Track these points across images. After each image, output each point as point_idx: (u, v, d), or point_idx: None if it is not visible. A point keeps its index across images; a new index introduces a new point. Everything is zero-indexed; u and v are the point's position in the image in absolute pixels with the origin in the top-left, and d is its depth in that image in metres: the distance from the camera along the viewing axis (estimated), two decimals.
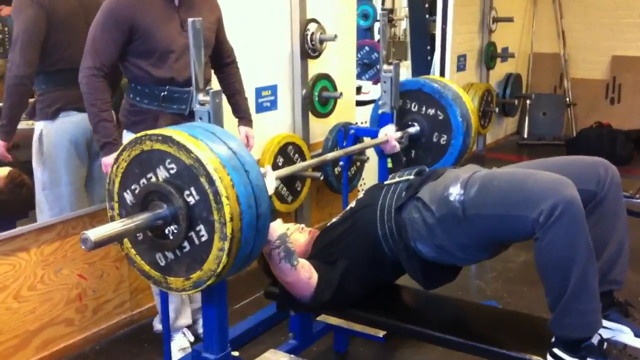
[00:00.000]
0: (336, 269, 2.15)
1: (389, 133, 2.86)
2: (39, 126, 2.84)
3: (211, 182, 1.57)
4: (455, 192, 1.97)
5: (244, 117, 2.92)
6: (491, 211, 1.91)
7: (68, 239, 2.84)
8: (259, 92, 3.65)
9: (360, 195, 2.38)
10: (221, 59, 2.83)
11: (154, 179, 1.68)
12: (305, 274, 2.08)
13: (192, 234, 1.65)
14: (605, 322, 2.00)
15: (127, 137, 2.58)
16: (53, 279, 2.81)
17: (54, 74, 2.82)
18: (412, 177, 2.25)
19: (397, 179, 2.27)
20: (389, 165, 2.85)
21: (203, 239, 1.64)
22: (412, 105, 3.10)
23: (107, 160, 2.46)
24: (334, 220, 2.36)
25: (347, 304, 2.23)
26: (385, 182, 2.30)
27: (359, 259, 2.17)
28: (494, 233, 1.96)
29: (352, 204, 2.35)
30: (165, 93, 2.55)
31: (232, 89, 2.88)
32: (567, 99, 7.19)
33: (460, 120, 2.96)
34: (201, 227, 1.63)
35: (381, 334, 2.69)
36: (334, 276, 2.14)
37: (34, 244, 2.72)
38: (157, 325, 2.93)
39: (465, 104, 3.01)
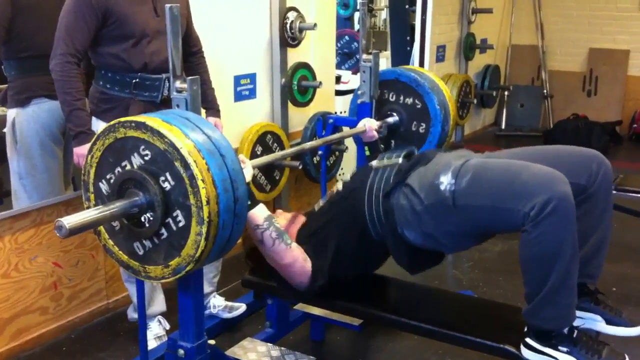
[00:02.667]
0: (326, 252, 2.13)
1: (368, 124, 2.86)
2: (11, 114, 2.81)
3: (186, 166, 1.56)
4: (446, 181, 1.95)
5: (212, 108, 2.89)
6: (482, 202, 1.90)
7: (43, 226, 2.81)
8: (237, 80, 3.63)
9: (347, 178, 2.35)
10: (188, 47, 2.77)
11: (128, 167, 1.67)
12: (301, 254, 2.07)
13: (169, 220, 1.64)
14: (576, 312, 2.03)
15: (97, 124, 2.55)
16: (28, 267, 2.78)
17: (23, 61, 2.78)
18: (400, 160, 2.22)
19: (385, 162, 2.23)
20: (367, 153, 2.86)
21: (180, 224, 1.63)
22: (390, 95, 3.10)
23: (80, 150, 2.44)
24: (320, 204, 2.34)
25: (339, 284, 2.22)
26: (374, 165, 2.26)
27: (348, 241, 2.16)
28: (482, 223, 1.96)
29: (339, 187, 2.32)
30: (137, 80, 2.53)
31: (199, 79, 2.82)
32: (545, 91, 7.25)
33: (438, 107, 2.97)
34: (178, 212, 1.62)
35: (357, 322, 2.70)
36: (325, 260, 2.12)
37: (8, 231, 2.69)
38: (132, 314, 2.92)
39: (443, 92, 3.03)
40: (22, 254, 2.75)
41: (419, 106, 3.02)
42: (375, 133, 2.86)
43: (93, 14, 2.41)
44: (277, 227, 2.00)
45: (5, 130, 2.84)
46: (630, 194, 3.60)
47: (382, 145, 2.92)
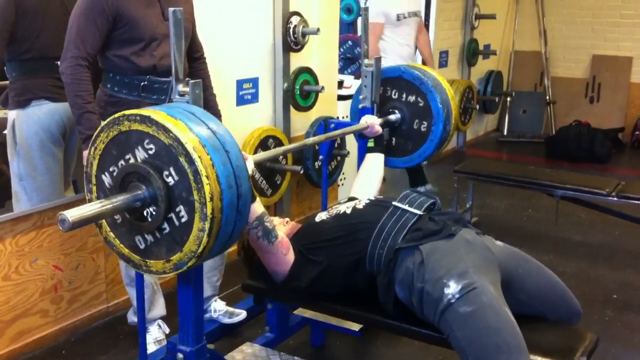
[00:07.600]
0: (315, 265, 2.14)
1: (370, 120, 2.87)
2: (12, 115, 2.82)
3: (191, 161, 1.56)
4: (452, 291, 1.92)
5: (213, 113, 2.88)
6: (459, 335, 1.91)
7: (44, 229, 2.81)
8: (240, 84, 3.63)
9: (360, 205, 2.29)
10: (191, 52, 2.78)
11: (132, 160, 1.66)
12: (282, 250, 2.09)
13: (172, 215, 1.64)
14: None
15: None
16: (28, 270, 2.78)
17: (25, 62, 2.79)
18: (422, 212, 2.16)
19: (406, 206, 2.18)
20: (370, 144, 2.86)
21: (183, 219, 1.62)
22: (393, 93, 3.10)
23: None
24: (323, 217, 2.31)
25: (316, 295, 2.24)
26: (394, 202, 2.21)
27: (340, 265, 2.16)
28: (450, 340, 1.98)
29: (347, 210, 2.27)
30: (146, 83, 2.54)
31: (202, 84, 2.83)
32: (547, 97, 7.25)
33: (440, 106, 2.97)
34: (181, 207, 1.62)
35: (357, 327, 2.70)
36: (311, 271, 2.13)
37: (9, 233, 2.69)
38: (132, 318, 2.92)
39: (445, 91, 3.03)
40: (22, 257, 2.75)
41: (421, 104, 3.02)
42: (379, 128, 2.87)
43: (104, 17, 2.42)
44: (265, 227, 2.02)
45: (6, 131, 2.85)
46: (632, 201, 3.58)
47: (385, 140, 2.92)
